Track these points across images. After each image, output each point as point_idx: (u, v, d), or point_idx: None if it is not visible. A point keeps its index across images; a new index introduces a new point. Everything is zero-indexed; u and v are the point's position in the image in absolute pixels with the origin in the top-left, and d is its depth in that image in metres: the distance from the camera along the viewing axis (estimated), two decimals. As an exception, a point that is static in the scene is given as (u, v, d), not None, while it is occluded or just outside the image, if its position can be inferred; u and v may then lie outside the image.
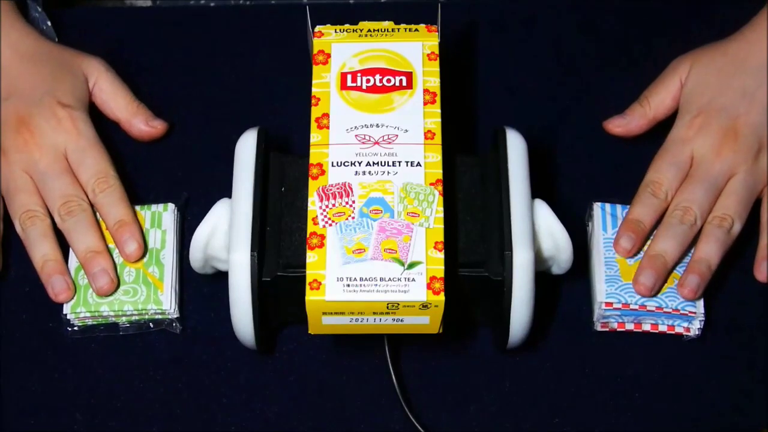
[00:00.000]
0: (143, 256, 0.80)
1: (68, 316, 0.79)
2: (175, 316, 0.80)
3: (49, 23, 0.89)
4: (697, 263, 0.78)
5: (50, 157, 0.81)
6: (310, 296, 0.68)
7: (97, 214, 0.81)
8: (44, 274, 0.79)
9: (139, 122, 0.86)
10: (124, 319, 0.80)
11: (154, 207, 0.83)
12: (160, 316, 0.80)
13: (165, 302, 0.79)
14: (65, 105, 0.83)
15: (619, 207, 0.82)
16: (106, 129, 0.86)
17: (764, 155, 0.81)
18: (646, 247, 0.80)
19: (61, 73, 0.85)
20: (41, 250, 0.80)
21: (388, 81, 0.75)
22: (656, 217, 0.80)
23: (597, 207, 0.82)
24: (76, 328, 0.80)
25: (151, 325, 0.80)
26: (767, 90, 0.82)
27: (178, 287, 0.81)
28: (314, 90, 0.75)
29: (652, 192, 0.80)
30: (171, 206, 0.83)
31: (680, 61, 0.85)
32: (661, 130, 0.85)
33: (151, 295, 0.79)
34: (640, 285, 0.78)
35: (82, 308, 0.79)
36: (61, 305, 0.79)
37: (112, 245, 0.81)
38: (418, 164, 0.72)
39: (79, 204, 0.80)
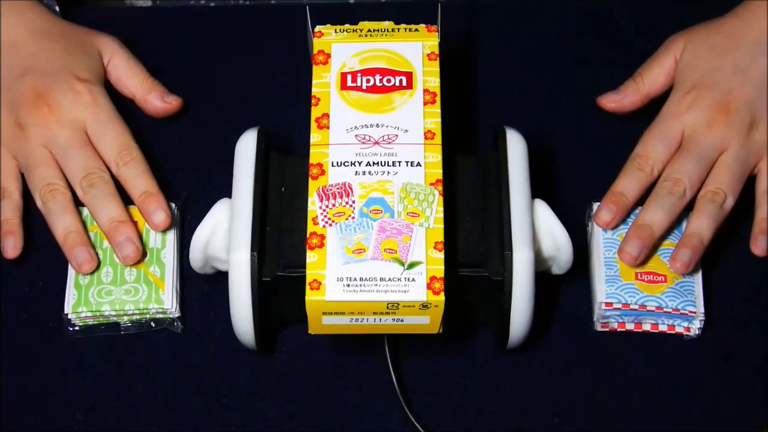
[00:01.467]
0: (170, 227, 0.80)
1: (69, 316, 0.79)
2: (177, 315, 0.80)
3: (57, 9, 0.89)
4: (690, 237, 0.78)
5: (70, 131, 0.81)
6: (310, 296, 0.68)
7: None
8: (67, 246, 0.79)
9: (155, 98, 0.86)
10: (125, 318, 0.80)
11: None
12: (161, 316, 0.80)
13: (166, 301, 0.79)
14: (83, 80, 0.83)
15: (619, 207, 0.82)
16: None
17: (757, 130, 0.81)
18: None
19: (76, 50, 0.85)
20: (63, 223, 0.79)
21: (388, 81, 0.75)
22: (641, 191, 0.80)
23: (596, 207, 0.82)
24: (77, 328, 0.80)
25: (153, 324, 0.80)
26: (760, 66, 0.82)
27: (179, 286, 0.81)
28: (314, 90, 0.75)
29: (638, 165, 0.80)
30: (171, 206, 0.83)
31: (675, 38, 0.85)
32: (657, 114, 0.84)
33: (152, 294, 0.79)
34: (625, 254, 0.78)
35: (83, 308, 0.79)
36: (62, 307, 0.79)
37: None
38: (418, 164, 0.72)
39: (101, 176, 0.80)
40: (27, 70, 0.83)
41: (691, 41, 0.84)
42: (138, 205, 0.80)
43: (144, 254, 0.80)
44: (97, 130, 0.82)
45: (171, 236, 0.82)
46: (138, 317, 0.80)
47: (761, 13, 0.83)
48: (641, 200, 0.80)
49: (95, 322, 0.80)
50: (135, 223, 0.80)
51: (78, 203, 0.81)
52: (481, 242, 0.74)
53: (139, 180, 0.80)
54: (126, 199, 0.81)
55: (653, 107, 0.85)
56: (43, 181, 0.80)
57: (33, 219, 0.82)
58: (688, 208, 0.80)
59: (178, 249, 0.82)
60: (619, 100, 0.86)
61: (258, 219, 0.73)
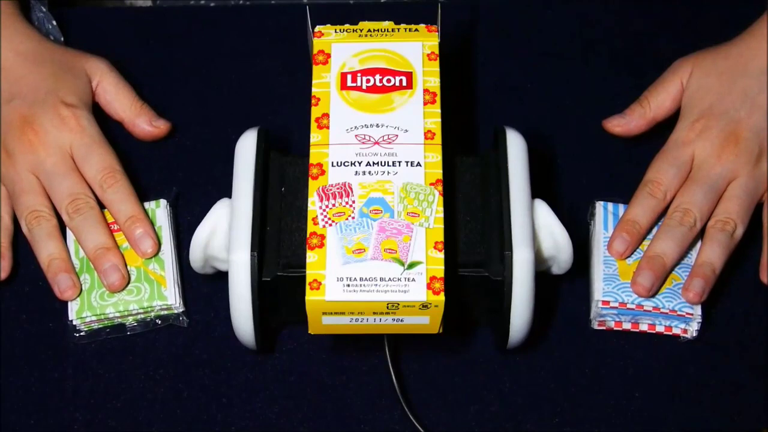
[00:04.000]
0: (157, 252, 0.80)
1: (74, 322, 0.79)
2: (181, 310, 0.80)
3: (54, 23, 0.89)
4: (702, 267, 0.78)
5: (56, 157, 0.81)
6: (310, 296, 0.68)
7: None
8: (50, 272, 0.79)
9: (143, 122, 0.86)
10: (130, 318, 0.79)
11: (146, 204, 0.83)
12: (166, 312, 0.80)
13: (169, 297, 0.79)
14: (69, 104, 0.83)
15: (621, 206, 0.82)
16: (106, 129, 0.86)
17: (765, 159, 0.81)
18: (645, 248, 0.80)
19: (63, 74, 0.85)
20: (47, 250, 0.80)
21: (388, 81, 0.75)
22: (654, 218, 0.80)
23: (599, 206, 0.82)
24: (83, 333, 0.79)
25: (158, 321, 0.80)
26: None
27: (180, 282, 0.81)
28: (314, 90, 0.75)
29: (650, 192, 0.80)
30: (163, 202, 0.83)
31: (681, 63, 0.85)
32: (661, 130, 0.85)
33: (155, 291, 0.79)
34: (638, 285, 0.78)
35: (87, 312, 0.79)
36: (63, 307, 0.79)
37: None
38: (418, 164, 0.72)
39: (87, 202, 0.80)
40: (14, 95, 0.83)
41: (697, 67, 0.84)
42: (123, 230, 0.80)
43: (128, 280, 0.80)
44: (82, 153, 0.82)
45: (167, 232, 0.82)
46: (143, 316, 0.80)
47: (766, 40, 0.83)
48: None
49: (100, 326, 0.80)
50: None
51: (65, 228, 0.81)
52: (481, 242, 0.74)
53: (124, 204, 0.81)
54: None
55: (658, 128, 0.85)
56: (28, 209, 0.81)
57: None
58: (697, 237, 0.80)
59: (174, 245, 0.82)
60: (625, 125, 0.86)
61: (258, 219, 0.73)
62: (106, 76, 0.86)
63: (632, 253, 0.80)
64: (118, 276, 0.79)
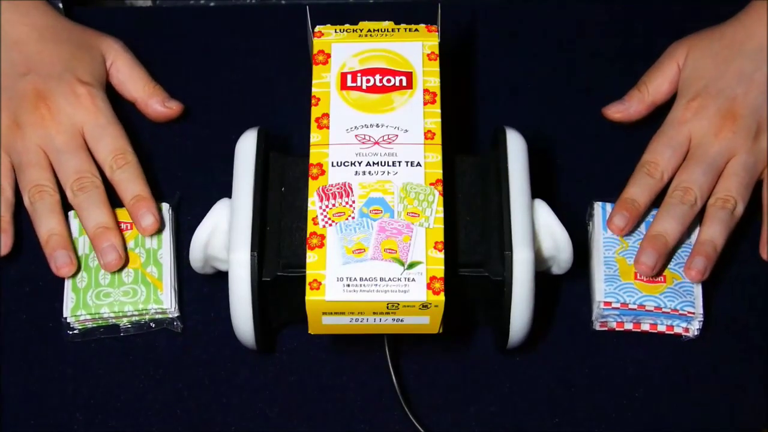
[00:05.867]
0: (160, 231, 0.80)
1: (68, 320, 0.79)
2: (176, 314, 0.80)
3: (60, 5, 0.89)
4: (703, 245, 0.78)
5: (67, 134, 0.82)
6: (310, 296, 0.68)
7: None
8: (48, 248, 0.79)
9: (156, 103, 0.86)
10: (124, 320, 0.79)
11: None
12: (160, 316, 0.80)
13: (165, 301, 0.79)
14: (84, 83, 0.83)
15: (619, 207, 0.82)
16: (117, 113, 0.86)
17: (763, 136, 0.81)
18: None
19: (80, 52, 0.85)
20: (47, 225, 0.80)
21: (388, 81, 0.75)
22: (651, 197, 0.80)
23: (598, 206, 0.82)
24: (76, 331, 0.79)
25: (152, 325, 0.80)
26: (764, 72, 0.82)
27: (177, 286, 0.81)
28: (314, 90, 0.75)
29: (647, 172, 0.80)
30: (165, 206, 0.83)
31: (677, 45, 0.86)
32: (661, 119, 0.84)
33: (150, 294, 0.79)
34: (641, 264, 0.78)
35: (82, 311, 0.79)
36: (61, 306, 0.79)
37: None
38: (418, 164, 0.72)
39: (92, 180, 0.80)
40: (29, 69, 0.83)
41: (693, 48, 0.84)
42: (128, 208, 0.80)
43: (126, 262, 0.80)
44: (95, 133, 0.82)
45: (167, 236, 0.82)
46: (137, 318, 0.80)
47: (762, 19, 0.83)
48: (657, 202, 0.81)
49: (94, 325, 0.80)
50: (126, 228, 0.81)
51: (67, 206, 0.81)
52: (481, 242, 0.74)
53: (132, 184, 0.81)
54: (116, 203, 0.81)
55: (657, 113, 0.85)
56: (32, 182, 0.81)
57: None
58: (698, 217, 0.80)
59: (174, 248, 0.82)
60: (624, 110, 0.86)
61: (258, 219, 0.73)
62: (120, 56, 0.87)
63: (632, 231, 0.80)
64: (115, 256, 0.79)
